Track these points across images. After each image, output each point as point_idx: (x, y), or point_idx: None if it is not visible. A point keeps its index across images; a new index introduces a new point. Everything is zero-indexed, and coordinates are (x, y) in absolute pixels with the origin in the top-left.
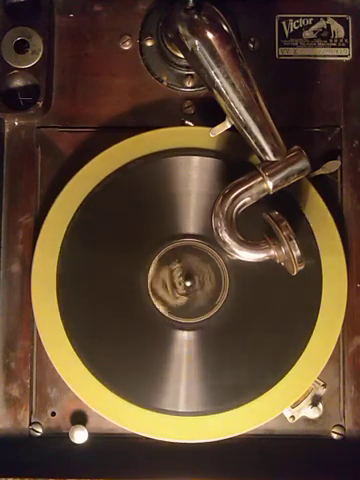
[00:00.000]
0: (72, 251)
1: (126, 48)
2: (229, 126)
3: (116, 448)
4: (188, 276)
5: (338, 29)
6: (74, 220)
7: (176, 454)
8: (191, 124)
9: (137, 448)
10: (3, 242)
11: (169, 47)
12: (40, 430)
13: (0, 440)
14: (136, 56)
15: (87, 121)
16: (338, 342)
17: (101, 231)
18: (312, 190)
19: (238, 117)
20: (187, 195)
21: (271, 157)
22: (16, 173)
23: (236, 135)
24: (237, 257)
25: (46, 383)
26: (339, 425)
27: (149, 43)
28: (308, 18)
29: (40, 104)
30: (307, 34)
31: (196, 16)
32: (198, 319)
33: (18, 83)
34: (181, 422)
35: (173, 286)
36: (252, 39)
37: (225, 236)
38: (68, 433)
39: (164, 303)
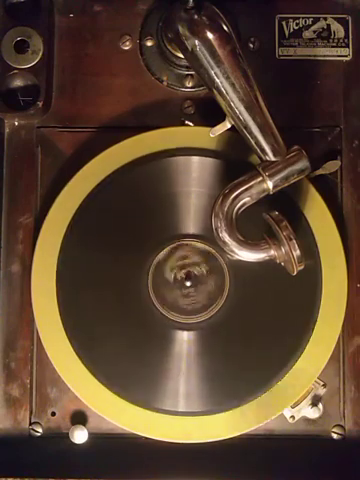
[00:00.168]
0: (72, 251)
1: (126, 48)
2: (229, 126)
3: (116, 448)
4: (188, 276)
5: (338, 29)
6: (74, 220)
7: (176, 454)
8: (191, 124)
9: (137, 448)
10: (3, 242)
11: (169, 47)
12: (40, 430)
13: (0, 440)
14: (136, 56)
15: (87, 121)
16: (338, 342)
17: (101, 231)
18: (312, 190)
19: (238, 117)
20: (187, 195)
21: (271, 157)
22: (16, 173)
23: (236, 135)
24: (237, 257)
25: (46, 383)
26: (339, 425)
27: (149, 43)
28: (308, 18)
29: (40, 104)
30: (307, 34)
31: (196, 16)
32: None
33: (18, 83)
34: (181, 422)
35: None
36: (252, 39)
37: (225, 236)
38: (68, 433)
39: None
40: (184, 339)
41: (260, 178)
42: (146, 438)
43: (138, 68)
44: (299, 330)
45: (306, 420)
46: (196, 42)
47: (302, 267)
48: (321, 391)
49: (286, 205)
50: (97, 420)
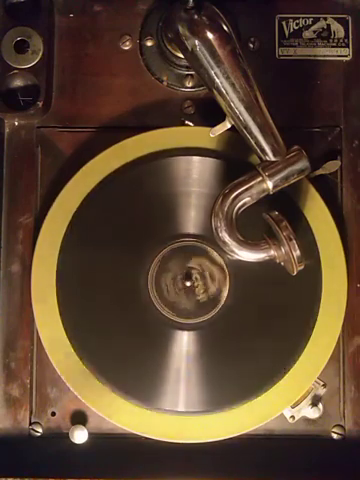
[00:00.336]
0: (72, 251)
1: (126, 48)
2: (229, 126)
3: (116, 448)
4: (188, 276)
5: (338, 29)
6: (74, 220)
7: (176, 454)
8: (191, 124)
9: (137, 448)
10: (3, 242)
11: (169, 47)
12: (40, 430)
13: (0, 440)
14: (136, 56)
15: (87, 121)
16: (338, 342)
17: (101, 231)
18: (312, 190)
19: (238, 117)
20: (187, 195)
21: (271, 157)
22: (16, 173)
23: (236, 135)
24: (237, 257)
25: (46, 383)
26: (339, 425)
27: (149, 43)
28: (308, 18)
29: (40, 104)
30: (307, 34)
31: (196, 16)
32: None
33: (18, 83)
34: (181, 422)
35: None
36: (252, 39)
37: (225, 236)
38: (68, 433)
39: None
40: (184, 339)
41: (260, 178)
42: (146, 438)
43: (138, 68)
44: (299, 330)
45: (306, 420)
46: (196, 42)
47: (302, 267)
48: (321, 391)
49: (286, 205)
50: (97, 420)
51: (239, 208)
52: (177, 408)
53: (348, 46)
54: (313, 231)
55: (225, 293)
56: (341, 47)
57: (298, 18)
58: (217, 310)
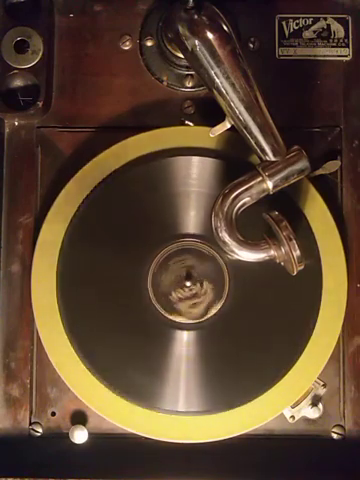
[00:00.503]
0: (72, 251)
1: (126, 48)
2: (229, 126)
3: (116, 448)
4: (188, 276)
5: (338, 29)
6: (74, 220)
7: (176, 454)
8: (191, 124)
9: (137, 448)
10: (3, 242)
11: (169, 47)
12: (40, 430)
13: (0, 440)
14: (136, 56)
15: (87, 121)
16: (338, 342)
17: (101, 231)
18: (312, 190)
19: (238, 117)
20: (187, 195)
21: (271, 157)
22: (16, 173)
23: (236, 135)
24: (237, 257)
25: (46, 383)
26: (339, 425)
27: (149, 43)
28: (308, 18)
29: (40, 104)
30: (307, 34)
31: (196, 16)
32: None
33: (18, 83)
34: (181, 422)
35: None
36: (252, 39)
37: (225, 236)
38: (68, 433)
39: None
40: (184, 339)
41: (260, 178)
42: (146, 438)
43: (138, 68)
44: (299, 330)
45: (306, 420)
46: (196, 42)
47: (302, 267)
48: (321, 391)
49: (286, 205)
50: (97, 420)
51: (239, 208)
52: (177, 408)
53: (348, 46)
54: (313, 231)
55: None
56: (341, 47)
57: (298, 18)
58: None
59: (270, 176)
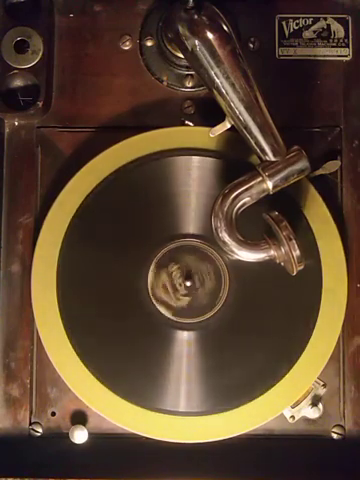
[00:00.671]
0: (72, 251)
1: (126, 48)
2: (229, 126)
3: (116, 448)
4: (188, 276)
5: (338, 29)
6: (74, 220)
7: (176, 454)
8: (191, 124)
9: (137, 448)
10: (3, 242)
11: (169, 47)
12: (40, 430)
13: (0, 440)
14: (136, 56)
15: (87, 121)
16: (338, 342)
17: (101, 231)
18: (312, 190)
19: (238, 117)
20: (187, 195)
21: (271, 157)
22: (16, 173)
23: (236, 135)
24: (237, 257)
25: (46, 383)
26: (339, 425)
27: (149, 43)
28: (308, 18)
29: (40, 104)
30: (307, 34)
31: (196, 16)
32: (198, 319)
33: (18, 83)
34: (181, 422)
35: (173, 286)
36: (252, 39)
37: (225, 236)
38: (68, 433)
39: (164, 303)
40: (184, 339)
41: (260, 178)
42: (146, 438)
43: (138, 68)
44: (299, 330)
45: (306, 420)
46: (196, 42)
47: (302, 267)
48: (321, 391)
49: (286, 205)
50: (97, 420)
51: (239, 208)
52: (177, 408)
53: (348, 46)
54: (313, 231)
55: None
56: (341, 47)
57: (298, 18)
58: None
59: (270, 176)
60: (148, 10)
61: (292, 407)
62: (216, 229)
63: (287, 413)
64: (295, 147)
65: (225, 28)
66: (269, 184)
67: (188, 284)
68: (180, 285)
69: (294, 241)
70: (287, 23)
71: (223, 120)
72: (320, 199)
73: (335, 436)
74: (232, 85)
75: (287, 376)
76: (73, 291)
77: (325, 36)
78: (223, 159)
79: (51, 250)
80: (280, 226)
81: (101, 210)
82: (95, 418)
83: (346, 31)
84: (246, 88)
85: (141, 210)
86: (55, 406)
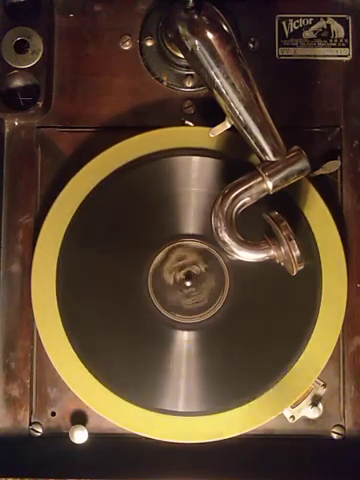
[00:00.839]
0: (72, 251)
1: (126, 48)
2: (229, 126)
3: (116, 448)
4: (188, 276)
5: (338, 29)
6: (74, 220)
7: (176, 454)
8: (191, 124)
9: (137, 448)
10: (3, 242)
11: (169, 47)
12: (40, 430)
13: (0, 440)
14: (136, 56)
15: (87, 121)
16: (338, 342)
17: (101, 231)
18: (312, 190)
19: (238, 117)
20: (187, 195)
21: (271, 157)
22: (16, 173)
23: (236, 135)
24: (237, 257)
25: (46, 383)
26: (339, 425)
27: (149, 43)
28: (308, 18)
29: (40, 104)
30: (307, 34)
31: (196, 16)
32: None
33: (18, 83)
34: (181, 422)
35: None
36: (252, 39)
37: (225, 236)
38: (68, 433)
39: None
40: (184, 339)
41: (260, 178)
42: (146, 438)
43: (138, 68)
44: (299, 330)
45: (306, 420)
46: (196, 42)
47: (302, 267)
48: (321, 391)
49: (286, 205)
50: (97, 420)
51: (239, 208)
52: (177, 408)
53: (348, 46)
54: (313, 231)
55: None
56: (341, 47)
57: (298, 18)
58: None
59: (270, 176)
60: (148, 10)
61: (292, 407)
62: (216, 229)
63: (287, 413)
64: (295, 147)
65: (225, 28)
66: (269, 184)
67: (188, 284)
68: (180, 285)
69: (294, 241)
70: (287, 23)
71: (223, 120)
72: (320, 199)
73: (335, 436)
74: (232, 85)
75: (287, 376)
76: (73, 291)
77: (325, 36)
78: (223, 159)
79: (51, 250)
80: (280, 226)
81: (101, 210)
82: (95, 418)
83: (346, 31)
84: (246, 88)
85: (141, 210)
86: (55, 406)
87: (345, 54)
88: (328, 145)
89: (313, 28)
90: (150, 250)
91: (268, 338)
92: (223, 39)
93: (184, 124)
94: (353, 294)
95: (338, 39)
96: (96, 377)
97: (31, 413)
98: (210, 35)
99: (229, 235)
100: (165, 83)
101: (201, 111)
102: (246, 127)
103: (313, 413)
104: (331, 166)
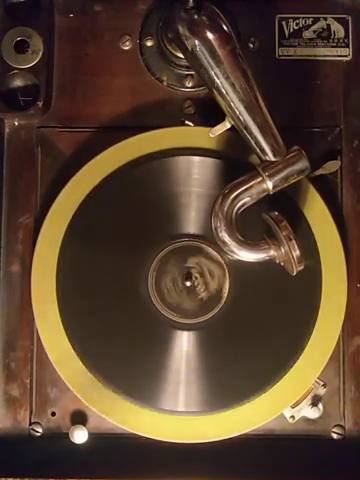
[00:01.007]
0: (72, 251)
1: (126, 48)
2: (229, 126)
3: (116, 448)
4: (188, 276)
5: (338, 29)
6: (74, 220)
7: (176, 454)
8: (191, 124)
9: (137, 448)
10: (3, 242)
11: (169, 47)
12: (40, 430)
13: (0, 440)
14: (136, 56)
15: (87, 121)
16: (338, 342)
17: (101, 231)
18: (312, 190)
19: (238, 117)
20: (187, 195)
21: (271, 157)
22: (16, 173)
23: (236, 135)
24: (237, 257)
25: (46, 383)
26: (339, 425)
27: (149, 43)
28: (308, 18)
29: (40, 104)
30: (307, 34)
31: (196, 16)
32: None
33: (18, 83)
34: (181, 422)
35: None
36: (252, 39)
37: (225, 236)
38: (68, 433)
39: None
40: (184, 339)
41: (260, 178)
42: (146, 438)
43: (138, 68)
44: (299, 330)
45: (306, 420)
46: (196, 42)
47: (302, 267)
48: (321, 391)
49: (286, 205)
50: (97, 420)
51: (239, 208)
52: (177, 408)
53: (348, 46)
54: (313, 231)
55: (225, 293)
56: (341, 47)
57: (298, 18)
58: (217, 310)
59: (270, 176)
60: (148, 10)
61: (292, 407)
62: (216, 229)
63: (287, 413)
64: (295, 147)
65: (225, 28)
66: (269, 184)
67: (188, 284)
68: (180, 285)
69: (294, 241)
70: (287, 23)
71: (223, 120)
72: (320, 199)
73: (335, 436)
74: (232, 85)
75: (287, 376)
76: (73, 291)
77: (325, 36)
78: (223, 159)
79: (51, 250)
80: (280, 226)
81: (101, 210)
82: (95, 418)
83: (346, 31)
84: (246, 88)
85: (141, 210)
86: (55, 406)
87: (345, 54)
88: (328, 145)
89: (313, 28)
90: (150, 250)
91: (268, 338)
92: (223, 39)
93: (184, 124)
94: (353, 294)
95: (338, 39)
96: (96, 377)
97: (31, 413)
98: (210, 35)
99: (229, 235)
100: (165, 83)
101: (201, 111)
102: (246, 127)
103: (313, 413)
104: (331, 166)
